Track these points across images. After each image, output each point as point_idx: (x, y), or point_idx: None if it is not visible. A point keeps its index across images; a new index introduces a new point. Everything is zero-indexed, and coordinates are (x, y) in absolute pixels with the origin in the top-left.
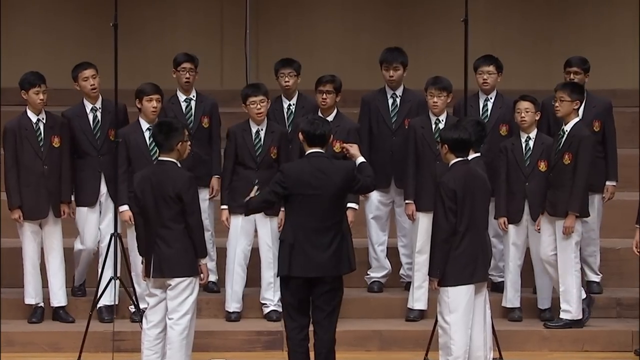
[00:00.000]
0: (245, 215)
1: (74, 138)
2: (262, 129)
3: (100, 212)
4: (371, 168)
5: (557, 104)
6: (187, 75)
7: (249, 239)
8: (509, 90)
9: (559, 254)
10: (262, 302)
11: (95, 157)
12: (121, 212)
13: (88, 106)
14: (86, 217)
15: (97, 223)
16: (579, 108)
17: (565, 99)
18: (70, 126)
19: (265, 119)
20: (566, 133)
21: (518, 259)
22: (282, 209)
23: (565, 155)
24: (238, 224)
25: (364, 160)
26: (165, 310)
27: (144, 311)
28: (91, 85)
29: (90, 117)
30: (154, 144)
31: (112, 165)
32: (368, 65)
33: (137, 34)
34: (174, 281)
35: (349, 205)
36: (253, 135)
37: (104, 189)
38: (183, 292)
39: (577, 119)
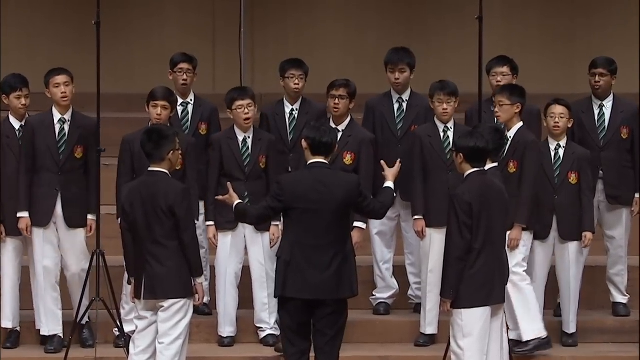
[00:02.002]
0: (235, 220)
1: (35, 149)
2: (249, 137)
3: (59, 238)
4: (393, 196)
5: (496, 109)
6: (185, 77)
7: (240, 257)
8: (527, 95)
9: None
10: (257, 325)
11: (55, 173)
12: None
13: (56, 116)
14: (42, 238)
15: (56, 246)
16: (520, 112)
17: (505, 102)
18: (33, 135)
19: (252, 126)
20: (510, 139)
21: (543, 279)
22: (274, 223)
23: (510, 163)
24: (227, 241)
25: (391, 186)
26: (156, 334)
27: (130, 335)
28: (62, 93)
29: (57, 128)
30: None
31: (72, 185)
32: (373, 67)
33: (121, 33)
34: (166, 303)
35: (355, 224)
36: (240, 143)
37: (59, 210)
38: (176, 315)
39: (520, 124)
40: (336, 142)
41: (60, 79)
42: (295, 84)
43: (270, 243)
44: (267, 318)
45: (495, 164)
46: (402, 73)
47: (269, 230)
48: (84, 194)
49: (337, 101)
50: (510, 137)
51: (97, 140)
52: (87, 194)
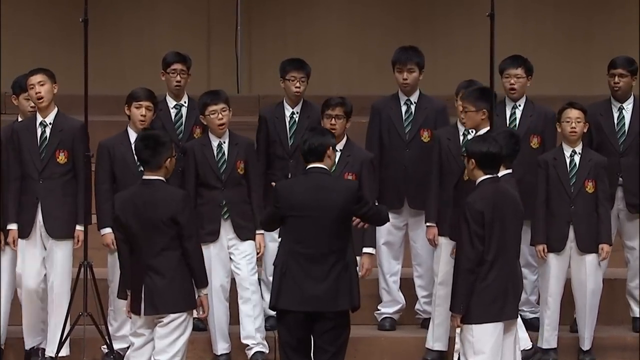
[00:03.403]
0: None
1: (20, 155)
2: (224, 142)
3: (45, 247)
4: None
5: (462, 115)
6: (178, 78)
7: (226, 269)
8: (541, 97)
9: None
10: (244, 341)
11: (36, 180)
12: (103, 235)
13: (38, 119)
14: (24, 250)
15: (39, 258)
16: (489, 116)
17: (470, 109)
18: (19, 141)
19: (227, 130)
20: None
21: (558, 294)
22: (259, 232)
23: None
24: (209, 254)
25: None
26: (152, 350)
27: (119, 353)
28: (37, 94)
29: (39, 132)
30: None
31: (54, 193)
32: (378, 67)
33: (110, 31)
34: (167, 317)
35: (365, 250)
36: (215, 149)
37: (39, 220)
38: (175, 331)
39: (486, 129)
40: (327, 145)
41: (33, 79)
42: (296, 87)
43: (257, 254)
44: (253, 332)
45: (509, 171)
46: (410, 73)
47: (253, 238)
48: (69, 203)
49: (333, 121)
50: None
51: (85, 144)
52: (75, 203)
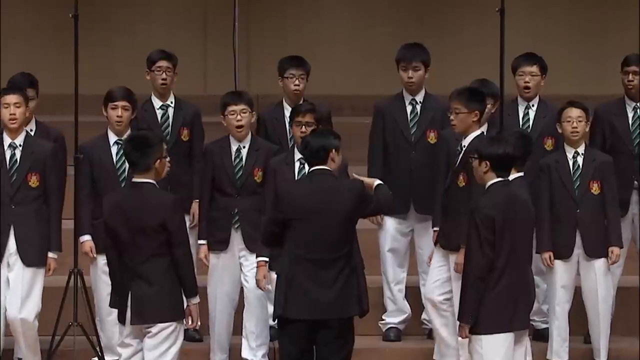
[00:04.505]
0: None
1: None
2: (243, 147)
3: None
4: (388, 191)
5: (452, 117)
6: (164, 77)
7: (234, 280)
8: (555, 96)
9: (454, 297)
10: (244, 357)
11: (8, 206)
12: (82, 242)
13: (6, 141)
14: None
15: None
16: (479, 119)
17: (462, 110)
18: None
19: (250, 135)
20: (464, 149)
21: (567, 302)
22: (261, 258)
23: (460, 176)
24: (218, 262)
25: (381, 182)
26: None
27: None
28: (10, 115)
29: (8, 155)
30: (122, 160)
31: (27, 218)
32: (383, 65)
33: (101, 26)
34: (155, 327)
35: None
36: (233, 154)
37: (12, 246)
38: (165, 341)
39: (477, 132)
40: (330, 145)
41: (10, 99)
42: (295, 84)
43: (257, 283)
44: (255, 349)
45: (521, 174)
46: (416, 71)
47: None
48: (43, 228)
49: (303, 129)
50: (464, 146)
51: (57, 169)
52: (48, 228)
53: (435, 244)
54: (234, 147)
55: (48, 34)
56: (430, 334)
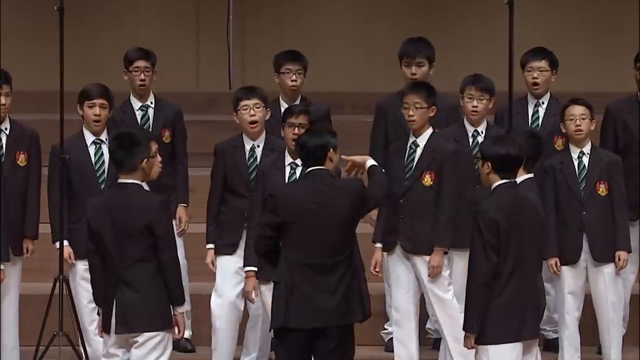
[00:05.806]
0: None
1: None
2: (258, 146)
3: None
4: (382, 172)
5: (411, 112)
6: (142, 77)
7: (242, 285)
8: (566, 93)
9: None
10: None
11: None
12: (57, 248)
13: None
14: None
15: None
16: (434, 115)
17: (422, 105)
18: None
19: (264, 133)
20: (420, 147)
21: (576, 310)
22: (250, 268)
23: (426, 175)
24: (225, 266)
25: (374, 163)
26: None
27: None
28: None
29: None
30: (101, 161)
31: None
32: (385, 61)
33: (88, 20)
34: (142, 337)
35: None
36: (247, 153)
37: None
38: (153, 352)
39: (430, 129)
40: (328, 145)
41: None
42: (292, 80)
43: (246, 295)
44: None
45: (530, 175)
46: (419, 67)
47: None
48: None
49: (296, 130)
50: (419, 144)
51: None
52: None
53: (387, 251)
54: (247, 146)
55: (31, 27)
56: (435, 344)
